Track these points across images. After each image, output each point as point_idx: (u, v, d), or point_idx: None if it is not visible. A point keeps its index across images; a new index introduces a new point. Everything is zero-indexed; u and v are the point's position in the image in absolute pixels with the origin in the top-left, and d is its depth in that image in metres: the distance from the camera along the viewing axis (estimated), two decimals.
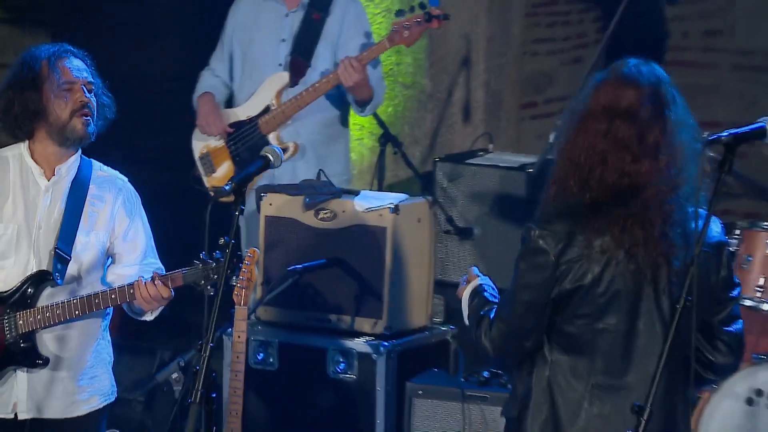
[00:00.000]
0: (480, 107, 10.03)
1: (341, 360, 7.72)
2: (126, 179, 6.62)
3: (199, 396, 5.40)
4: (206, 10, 10.76)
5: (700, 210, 5.01)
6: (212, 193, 8.22)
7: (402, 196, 7.86)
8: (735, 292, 5.32)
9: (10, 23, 12.00)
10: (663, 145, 5.21)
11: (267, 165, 5.85)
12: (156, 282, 6.20)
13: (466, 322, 5.60)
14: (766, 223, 7.89)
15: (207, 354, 5.40)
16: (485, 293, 5.48)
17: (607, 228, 5.02)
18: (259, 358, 7.72)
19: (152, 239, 6.66)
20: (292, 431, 7.89)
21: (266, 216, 7.95)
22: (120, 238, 6.53)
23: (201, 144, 8.63)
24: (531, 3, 10.83)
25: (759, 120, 4.98)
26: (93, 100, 6.32)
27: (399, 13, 8.28)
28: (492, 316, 5.25)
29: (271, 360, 7.83)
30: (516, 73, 10.43)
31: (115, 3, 11.41)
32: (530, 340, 5.20)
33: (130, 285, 6.21)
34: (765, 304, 7.72)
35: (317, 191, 7.86)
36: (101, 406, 6.40)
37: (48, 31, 11.20)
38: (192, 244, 6.31)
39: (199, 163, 8.68)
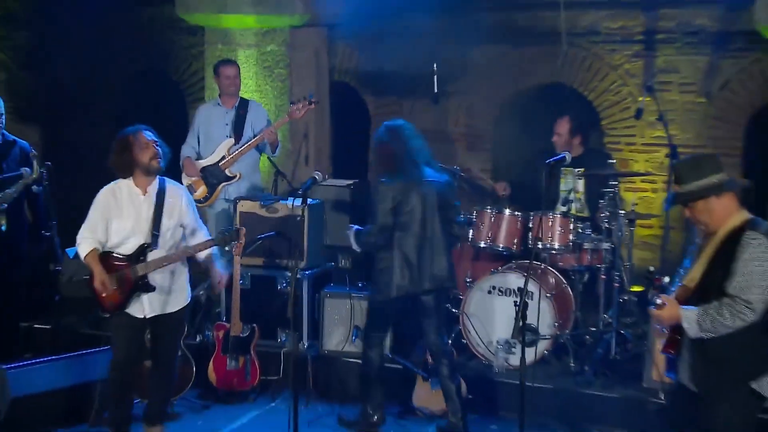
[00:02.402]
0: (312, 158, 11.64)
1: (284, 281, 9.73)
2: (184, 187, 8.30)
3: (294, 297, 8.03)
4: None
5: (439, 173, 8.26)
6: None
7: (309, 200, 9.42)
8: (458, 203, 8.57)
9: None
10: (405, 150, 8.20)
11: (315, 182, 8.64)
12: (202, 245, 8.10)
13: (355, 245, 8.45)
14: (491, 209, 9.84)
15: (296, 273, 7.75)
16: (360, 229, 8.36)
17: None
18: (241, 282, 9.13)
19: (200, 218, 8.24)
20: (260, 318, 9.38)
21: (240, 212, 9.82)
22: (189, 229, 8.09)
23: (187, 179, 10.19)
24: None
25: (561, 153, 7.58)
26: (159, 150, 7.86)
27: (292, 102, 10.11)
28: (370, 228, 8.17)
29: (247, 282, 9.67)
30: (327, 141, 11.99)
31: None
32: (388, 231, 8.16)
33: (192, 246, 8.01)
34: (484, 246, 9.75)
35: (265, 198, 9.91)
36: (185, 304, 8.17)
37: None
38: None
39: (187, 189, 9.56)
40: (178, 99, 13.19)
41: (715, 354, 5.95)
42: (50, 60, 13.16)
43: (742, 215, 5.96)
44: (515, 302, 9.23)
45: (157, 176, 7.95)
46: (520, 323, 6.94)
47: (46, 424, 8.54)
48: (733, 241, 5.88)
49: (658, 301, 6.01)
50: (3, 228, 9.21)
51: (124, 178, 7.91)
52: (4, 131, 9.55)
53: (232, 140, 10.25)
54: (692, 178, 5.92)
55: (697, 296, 5.97)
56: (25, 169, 9.18)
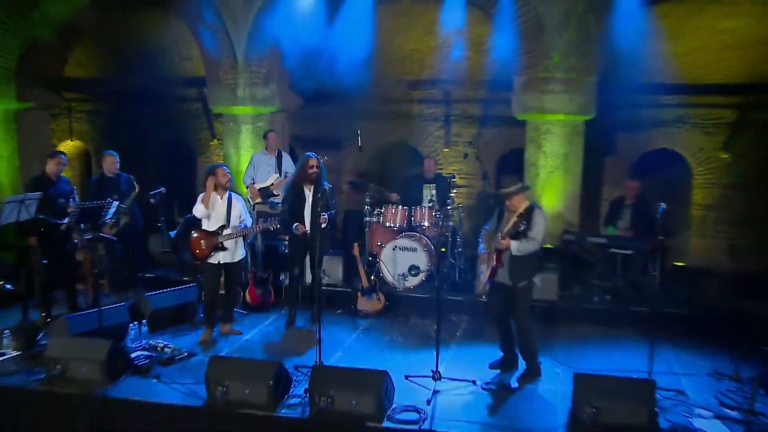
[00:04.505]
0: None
1: (282, 246, 9.74)
2: (240, 196, 8.24)
3: (317, 248, 7.97)
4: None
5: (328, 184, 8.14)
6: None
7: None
8: (334, 202, 8.37)
9: None
10: (300, 170, 8.21)
11: (326, 191, 8.24)
12: (261, 225, 8.42)
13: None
14: (392, 204, 9.92)
15: (319, 241, 7.87)
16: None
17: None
18: (260, 248, 9.60)
19: (247, 213, 8.23)
20: (271, 267, 9.53)
21: (257, 210, 9.95)
22: (240, 218, 8.15)
23: (250, 196, 10.04)
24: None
25: (450, 174, 8.31)
26: (230, 178, 8.12)
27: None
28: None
29: (263, 248, 9.76)
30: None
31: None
32: None
33: (250, 227, 8.16)
34: (388, 225, 9.81)
35: (272, 202, 9.96)
36: (240, 258, 8.33)
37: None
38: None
39: (251, 201, 9.96)
40: (190, 155, 13.39)
41: (522, 263, 7.03)
42: (117, 135, 13.19)
43: (527, 201, 7.16)
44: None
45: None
46: (437, 261, 8.01)
47: (167, 300, 8.73)
48: (528, 214, 7.02)
49: (502, 240, 7.11)
50: (128, 223, 9.57)
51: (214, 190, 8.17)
52: (119, 170, 9.63)
53: (278, 174, 10.20)
54: (508, 185, 6.98)
55: (511, 237, 7.01)
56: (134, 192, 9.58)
